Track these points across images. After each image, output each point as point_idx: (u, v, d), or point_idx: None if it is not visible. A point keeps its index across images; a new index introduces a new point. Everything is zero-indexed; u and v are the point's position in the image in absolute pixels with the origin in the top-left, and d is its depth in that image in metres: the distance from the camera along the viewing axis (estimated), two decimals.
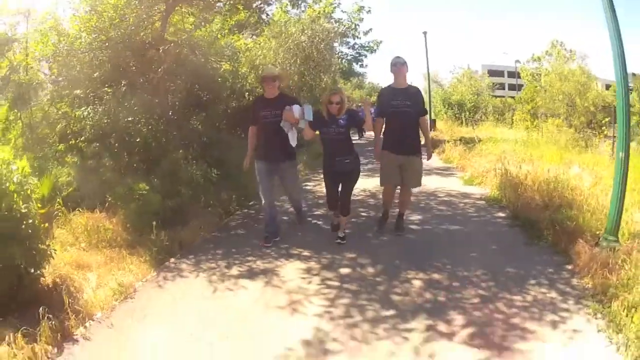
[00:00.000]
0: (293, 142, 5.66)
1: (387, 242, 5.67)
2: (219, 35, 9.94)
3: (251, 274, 4.63)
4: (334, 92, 5.51)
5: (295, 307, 3.88)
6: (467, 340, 3.26)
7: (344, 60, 20.16)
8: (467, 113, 29.51)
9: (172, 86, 8.27)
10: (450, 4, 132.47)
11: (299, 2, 14.24)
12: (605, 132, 15.20)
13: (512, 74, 56.20)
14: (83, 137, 7.47)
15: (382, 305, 3.89)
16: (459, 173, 10.87)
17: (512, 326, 3.43)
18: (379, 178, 6.02)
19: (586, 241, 4.62)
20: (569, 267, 4.46)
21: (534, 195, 6.53)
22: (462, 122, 27.30)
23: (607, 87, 23.17)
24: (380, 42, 20.60)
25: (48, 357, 3.27)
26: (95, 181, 6.79)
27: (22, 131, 11.38)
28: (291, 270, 4.72)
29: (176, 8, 8.33)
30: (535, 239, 5.36)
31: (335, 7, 14.91)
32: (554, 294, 3.93)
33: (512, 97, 38.62)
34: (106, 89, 7.76)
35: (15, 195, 3.92)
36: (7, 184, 3.89)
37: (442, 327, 3.45)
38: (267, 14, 12.70)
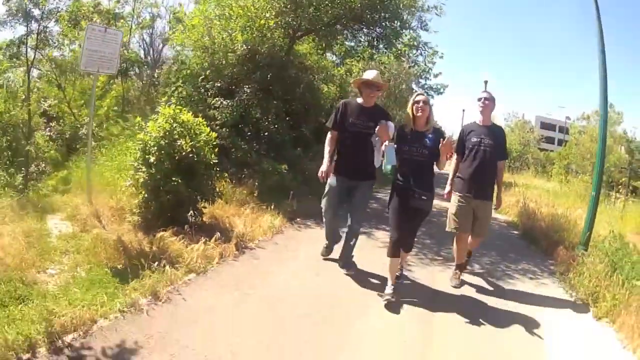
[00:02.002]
0: (377, 162, 5.02)
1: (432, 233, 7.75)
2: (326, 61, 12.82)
3: None
4: (418, 93, 4.91)
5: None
6: (478, 275, 5.97)
7: None
8: (512, 161, 31.61)
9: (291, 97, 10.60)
10: (518, 51, 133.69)
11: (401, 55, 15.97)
12: (620, 190, 16.86)
13: (563, 129, 57.80)
14: (218, 121, 8.89)
15: (427, 255, 6.64)
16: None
17: (505, 275, 6.12)
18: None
19: (566, 249, 7.07)
20: (551, 261, 6.99)
21: (542, 222, 9.01)
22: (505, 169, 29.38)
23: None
24: (447, 85, 22.35)
25: (234, 255, 5.41)
26: (227, 158, 8.33)
27: (116, 101, 13.41)
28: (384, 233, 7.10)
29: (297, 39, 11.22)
30: (533, 246, 7.93)
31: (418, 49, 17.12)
32: (535, 269, 6.57)
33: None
34: (246, 88, 9.73)
35: (205, 148, 5.87)
36: (199, 139, 5.80)
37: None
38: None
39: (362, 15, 10.58)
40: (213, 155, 6.05)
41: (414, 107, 4.67)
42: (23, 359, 2.97)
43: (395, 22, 10.96)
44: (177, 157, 5.57)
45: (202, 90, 9.91)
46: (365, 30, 12.00)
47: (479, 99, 5.35)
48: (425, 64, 18.69)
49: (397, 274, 5.00)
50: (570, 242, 7.36)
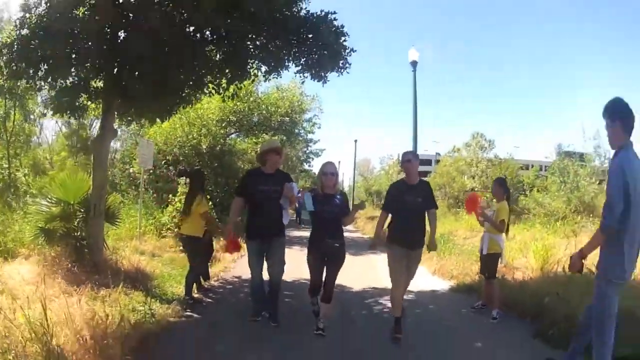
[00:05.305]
0: (286, 220, 5.60)
1: None
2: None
3: None
4: (328, 163, 5.37)
5: None
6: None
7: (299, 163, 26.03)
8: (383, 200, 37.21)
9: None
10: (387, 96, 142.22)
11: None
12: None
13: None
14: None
15: None
16: (361, 232, 20.42)
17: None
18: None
19: None
20: None
21: None
22: (375, 206, 35.39)
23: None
24: (324, 149, 26.97)
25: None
26: None
27: None
28: None
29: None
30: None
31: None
32: None
33: None
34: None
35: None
36: None
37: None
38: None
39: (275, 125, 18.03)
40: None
41: (324, 179, 5.27)
42: None
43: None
44: None
45: (165, 170, 15.31)
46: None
47: (406, 160, 5.44)
48: (305, 134, 23.21)
49: (320, 326, 5.27)
50: None
